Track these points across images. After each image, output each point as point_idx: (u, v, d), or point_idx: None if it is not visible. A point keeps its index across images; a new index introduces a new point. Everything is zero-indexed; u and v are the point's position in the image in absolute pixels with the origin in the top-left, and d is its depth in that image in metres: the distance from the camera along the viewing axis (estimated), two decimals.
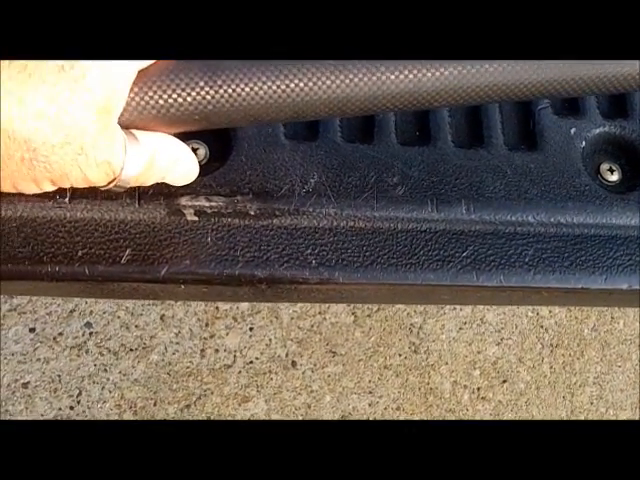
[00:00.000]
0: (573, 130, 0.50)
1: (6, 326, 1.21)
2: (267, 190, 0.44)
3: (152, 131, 0.37)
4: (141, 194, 0.42)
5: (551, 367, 1.35)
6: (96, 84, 0.32)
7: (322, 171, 0.45)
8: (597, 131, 0.50)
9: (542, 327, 1.38)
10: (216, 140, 0.43)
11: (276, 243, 0.43)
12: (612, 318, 1.40)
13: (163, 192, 0.43)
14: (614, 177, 0.50)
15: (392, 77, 0.37)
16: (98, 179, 0.35)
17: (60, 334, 1.22)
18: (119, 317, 1.24)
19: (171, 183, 0.41)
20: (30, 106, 0.30)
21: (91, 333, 1.23)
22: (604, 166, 0.50)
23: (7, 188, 0.34)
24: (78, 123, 0.31)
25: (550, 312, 1.38)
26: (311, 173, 0.45)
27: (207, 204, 0.43)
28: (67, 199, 0.42)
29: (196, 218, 0.43)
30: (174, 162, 0.39)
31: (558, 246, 0.47)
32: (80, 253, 0.41)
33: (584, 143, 0.50)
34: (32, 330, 1.21)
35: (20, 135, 0.30)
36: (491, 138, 0.48)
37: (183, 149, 0.40)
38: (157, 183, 0.40)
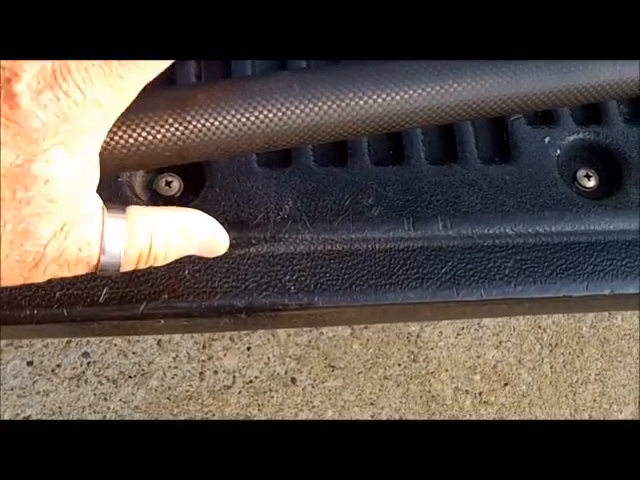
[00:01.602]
0: (547, 139, 0.50)
1: (4, 361, 1.21)
2: (242, 219, 0.44)
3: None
4: None
5: (552, 367, 1.35)
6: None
7: (297, 197, 0.45)
8: (571, 138, 0.51)
9: (540, 327, 1.37)
10: (189, 172, 0.43)
11: (254, 272, 0.43)
12: (610, 314, 1.40)
13: None
14: (591, 183, 0.50)
15: (361, 102, 0.37)
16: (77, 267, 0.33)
17: (58, 366, 1.22)
18: (116, 345, 1.24)
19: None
20: None
21: (89, 363, 1.23)
22: (580, 172, 0.50)
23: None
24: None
25: None
26: (285, 199, 0.45)
27: None
28: None
29: None
30: (190, 240, 0.36)
31: (538, 256, 0.47)
32: (58, 295, 0.41)
33: (559, 151, 0.50)
34: (30, 363, 1.21)
35: None
36: (465, 153, 0.48)
37: (205, 225, 0.37)
38: None
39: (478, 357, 1.34)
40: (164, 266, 0.42)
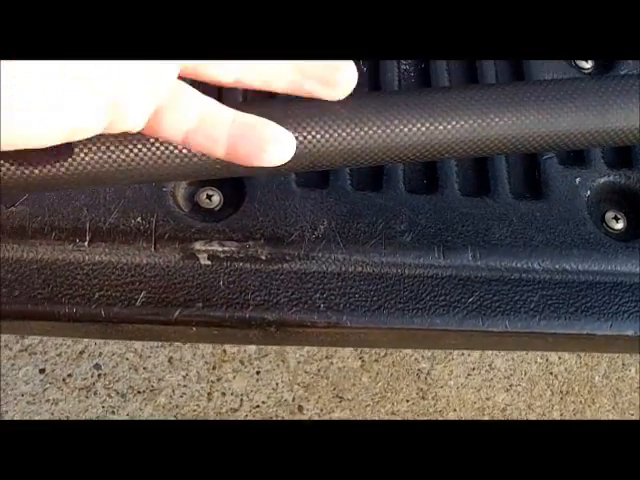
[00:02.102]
0: (578, 179, 0.51)
1: (17, 366, 1.22)
2: (278, 236, 0.45)
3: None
4: (157, 238, 0.44)
5: (561, 414, 1.34)
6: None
7: (332, 218, 0.46)
8: (602, 180, 0.52)
9: (552, 374, 1.37)
10: (230, 187, 0.45)
11: (286, 287, 0.44)
12: (623, 365, 1.39)
13: (178, 237, 0.44)
14: (619, 225, 0.51)
15: (405, 129, 0.39)
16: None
17: (69, 375, 1.23)
18: (127, 359, 1.25)
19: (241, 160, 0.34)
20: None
21: (100, 375, 1.23)
22: (609, 214, 0.51)
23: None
24: None
25: (560, 358, 1.37)
26: (321, 219, 0.46)
27: (220, 249, 0.44)
28: (86, 242, 0.43)
29: (209, 262, 0.44)
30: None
31: (563, 293, 0.47)
32: (97, 295, 0.42)
33: (589, 192, 0.51)
34: (42, 371, 1.22)
35: None
36: (497, 187, 0.50)
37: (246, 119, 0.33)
38: (173, 226, 0.42)
39: (487, 399, 1.33)
40: (201, 276, 0.43)
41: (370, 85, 0.52)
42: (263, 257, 0.45)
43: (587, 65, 0.57)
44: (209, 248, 0.44)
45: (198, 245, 0.44)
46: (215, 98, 0.36)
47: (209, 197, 0.46)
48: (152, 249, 0.44)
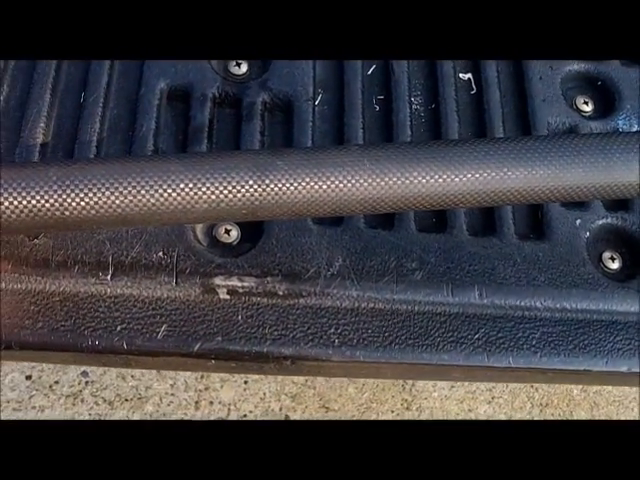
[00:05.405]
0: (578, 221, 0.53)
1: (3, 373, 1.21)
2: (295, 272, 0.47)
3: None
4: (178, 273, 0.45)
5: None
6: None
7: (346, 255, 0.48)
8: (600, 222, 0.54)
9: (532, 386, 1.40)
10: (248, 223, 0.46)
11: (302, 322, 0.46)
12: None
13: (199, 272, 0.45)
14: (615, 265, 0.53)
15: (423, 180, 0.40)
16: None
17: (56, 382, 1.22)
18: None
19: None
20: None
21: (87, 382, 1.23)
22: (606, 254, 0.54)
23: None
24: None
25: None
26: (336, 256, 0.48)
27: (239, 284, 0.46)
28: (109, 276, 0.44)
29: (228, 297, 0.45)
30: None
31: (563, 330, 0.50)
32: (119, 328, 0.43)
33: (588, 233, 0.53)
34: (28, 377, 1.22)
35: None
36: (503, 227, 0.52)
37: None
38: (193, 261, 0.43)
39: (470, 410, 1.35)
40: (220, 310, 0.45)
41: (382, 124, 0.54)
42: (280, 292, 0.46)
43: (587, 108, 0.59)
44: (228, 283, 0.46)
45: (218, 280, 0.46)
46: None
47: (227, 232, 0.48)
48: (173, 283, 0.45)
